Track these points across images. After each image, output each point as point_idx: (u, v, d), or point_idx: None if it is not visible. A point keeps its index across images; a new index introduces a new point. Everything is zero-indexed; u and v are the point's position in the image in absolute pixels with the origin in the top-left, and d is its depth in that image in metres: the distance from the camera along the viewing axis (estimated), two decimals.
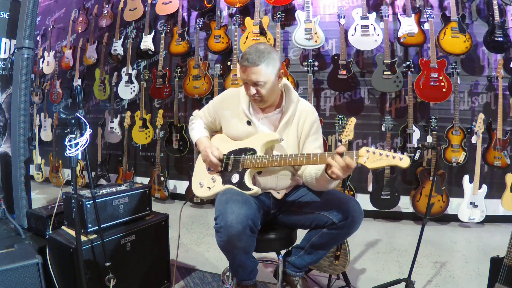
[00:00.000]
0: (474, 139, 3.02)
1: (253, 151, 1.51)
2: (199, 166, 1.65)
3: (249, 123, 1.58)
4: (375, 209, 3.18)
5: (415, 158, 3.10)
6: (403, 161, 1.20)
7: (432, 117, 3.08)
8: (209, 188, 1.57)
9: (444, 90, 3.00)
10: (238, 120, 1.60)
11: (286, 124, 1.56)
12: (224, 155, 1.58)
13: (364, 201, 3.16)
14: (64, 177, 4.56)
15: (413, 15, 3.12)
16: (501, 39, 2.96)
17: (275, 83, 1.50)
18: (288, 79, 3.25)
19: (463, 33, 3.00)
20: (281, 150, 1.56)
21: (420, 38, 3.10)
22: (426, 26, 3.10)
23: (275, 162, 1.43)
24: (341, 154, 1.27)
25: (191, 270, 2.24)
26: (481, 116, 2.95)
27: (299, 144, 1.60)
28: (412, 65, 3.09)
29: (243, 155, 1.52)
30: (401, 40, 3.11)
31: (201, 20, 3.69)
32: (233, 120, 1.61)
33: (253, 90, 1.46)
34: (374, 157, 1.23)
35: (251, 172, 1.51)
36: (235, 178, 1.50)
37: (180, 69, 3.76)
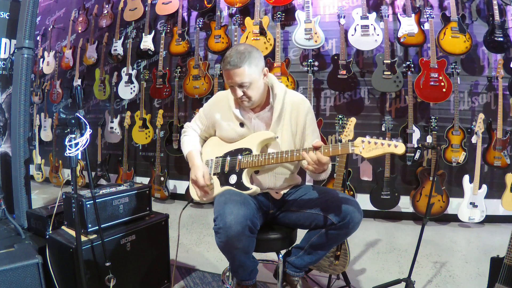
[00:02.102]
0: (474, 139, 3.02)
1: (249, 150, 1.51)
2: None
3: (241, 125, 1.57)
4: (375, 209, 3.18)
5: (415, 158, 3.10)
6: (398, 148, 1.21)
7: (432, 117, 3.08)
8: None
9: (444, 90, 3.00)
10: (230, 122, 1.59)
11: (278, 120, 1.54)
12: (220, 157, 1.57)
13: (364, 201, 3.16)
14: (64, 177, 4.56)
15: (413, 15, 3.12)
16: (501, 39, 2.96)
17: (260, 82, 1.50)
18: (288, 79, 3.25)
19: (463, 33, 3.00)
20: (277, 147, 1.55)
21: (420, 38, 3.10)
22: (426, 26, 3.10)
23: (272, 160, 1.43)
24: (316, 148, 1.32)
25: (191, 270, 2.24)
26: (481, 116, 2.95)
27: (295, 139, 1.58)
28: (412, 65, 3.09)
29: (239, 156, 1.52)
30: (401, 40, 3.11)
31: (201, 20, 3.69)
32: (226, 123, 1.60)
33: (239, 92, 1.46)
34: (370, 147, 1.24)
35: (248, 172, 1.51)
36: (233, 179, 1.50)
37: (180, 69, 3.76)
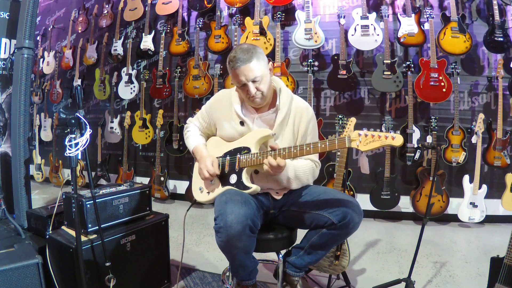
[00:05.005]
0: (474, 139, 3.02)
1: (247, 149, 1.51)
2: (197, 171, 1.65)
3: (242, 123, 1.57)
4: (375, 209, 3.17)
5: (415, 158, 3.10)
6: (396, 140, 1.21)
7: (432, 117, 3.08)
8: (208, 193, 1.57)
9: (444, 90, 3.00)
10: (231, 121, 1.59)
11: (281, 124, 1.54)
12: (220, 157, 1.57)
13: (364, 201, 3.16)
14: (64, 177, 4.56)
15: (413, 15, 3.12)
16: (501, 39, 2.96)
17: (269, 76, 1.52)
18: (288, 79, 3.25)
19: (463, 33, 3.00)
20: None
21: (420, 38, 3.10)
22: (426, 26, 3.10)
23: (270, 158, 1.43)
24: (273, 149, 1.39)
25: (191, 270, 2.24)
26: (481, 116, 2.95)
27: (295, 144, 1.59)
28: (412, 65, 3.08)
29: (238, 155, 1.52)
30: (401, 40, 3.11)
31: (201, 20, 3.69)
32: (226, 122, 1.61)
33: (253, 89, 1.46)
34: (367, 140, 1.24)
35: (248, 171, 1.52)
36: (233, 178, 1.51)
37: (180, 69, 3.76)
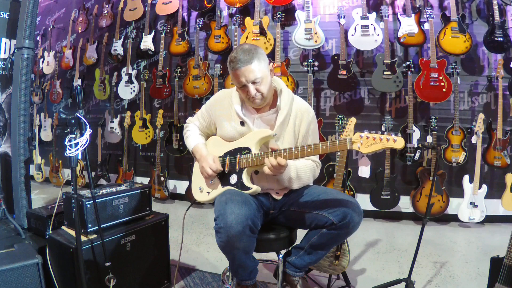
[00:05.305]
0: (474, 139, 3.02)
1: (248, 150, 1.51)
2: (197, 171, 1.65)
3: (242, 123, 1.57)
4: (375, 209, 3.18)
5: (415, 158, 3.10)
6: (397, 142, 1.21)
7: (432, 117, 3.08)
8: (208, 192, 1.57)
9: (444, 90, 3.00)
10: (231, 121, 1.59)
11: (282, 125, 1.54)
12: (220, 157, 1.57)
13: (364, 201, 3.16)
14: (64, 177, 4.56)
15: (413, 15, 3.12)
16: (501, 39, 2.96)
17: (269, 77, 1.52)
18: (288, 79, 3.25)
19: (463, 33, 3.00)
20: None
21: (420, 38, 3.10)
22: (426, 26, 3.10)
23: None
24: (274, 150, 1.38)
25: (191, 270, 2.24)
26: (481, 116, 2.96)
27: (296, 145, 1.59)
28: (412, 65, 3.08)
29: (238, 155, 1.51)
30: (401, 40, 3.11)
31: (201, 20, 3.69)
32: (227, 122, 1.60)
33: (253, 90, 1.46)
34: (368, 142, 1.24)
35: (248, 171, 1.51)
36: (233, 179, 1.50)
37: (180, 69, 3.76)
